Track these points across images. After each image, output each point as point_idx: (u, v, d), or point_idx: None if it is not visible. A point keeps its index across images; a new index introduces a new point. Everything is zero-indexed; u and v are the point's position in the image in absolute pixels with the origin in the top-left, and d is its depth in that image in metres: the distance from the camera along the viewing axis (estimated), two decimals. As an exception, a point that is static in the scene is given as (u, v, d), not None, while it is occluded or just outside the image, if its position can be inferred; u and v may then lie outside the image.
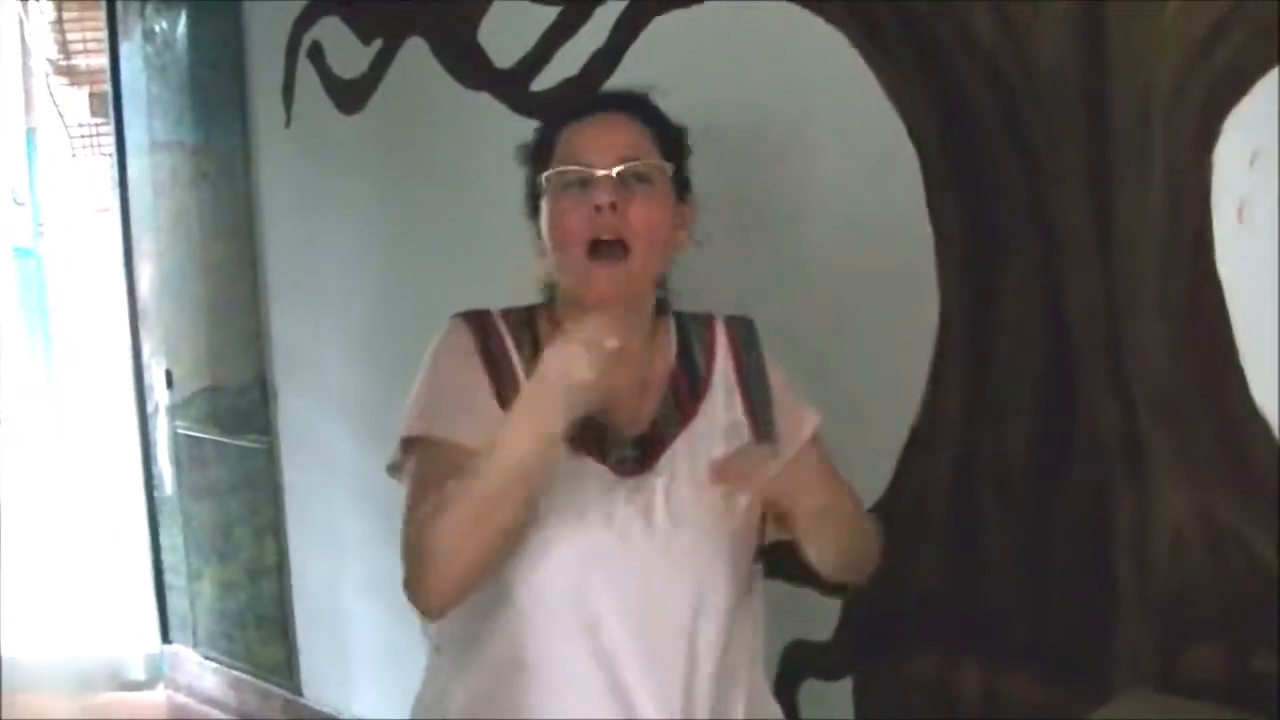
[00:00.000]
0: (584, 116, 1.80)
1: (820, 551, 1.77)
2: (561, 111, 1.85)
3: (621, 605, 1.72)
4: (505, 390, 1.74)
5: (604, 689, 1.72)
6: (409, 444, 1.77)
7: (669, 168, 1.79)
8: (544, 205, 1.78)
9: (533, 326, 1.82)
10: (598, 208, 1.71)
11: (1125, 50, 2.19)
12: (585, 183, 1.73)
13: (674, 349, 1.87)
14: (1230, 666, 2.18)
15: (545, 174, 1.77)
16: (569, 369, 1.52)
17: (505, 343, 1.80)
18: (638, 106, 1.83)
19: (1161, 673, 2.25)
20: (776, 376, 1.84)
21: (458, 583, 1.65)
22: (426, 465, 1.73)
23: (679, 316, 1.91)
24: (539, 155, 1.82)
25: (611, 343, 1.52)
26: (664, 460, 1.77)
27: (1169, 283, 2.20)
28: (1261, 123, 2.06)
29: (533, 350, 1.77)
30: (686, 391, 1.84)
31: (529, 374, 1.69)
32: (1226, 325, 2.14)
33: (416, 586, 1.66)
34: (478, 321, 1.82)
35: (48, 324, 10.62)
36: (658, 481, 1.75)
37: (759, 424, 1.75)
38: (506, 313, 1.84)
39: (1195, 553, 2.21)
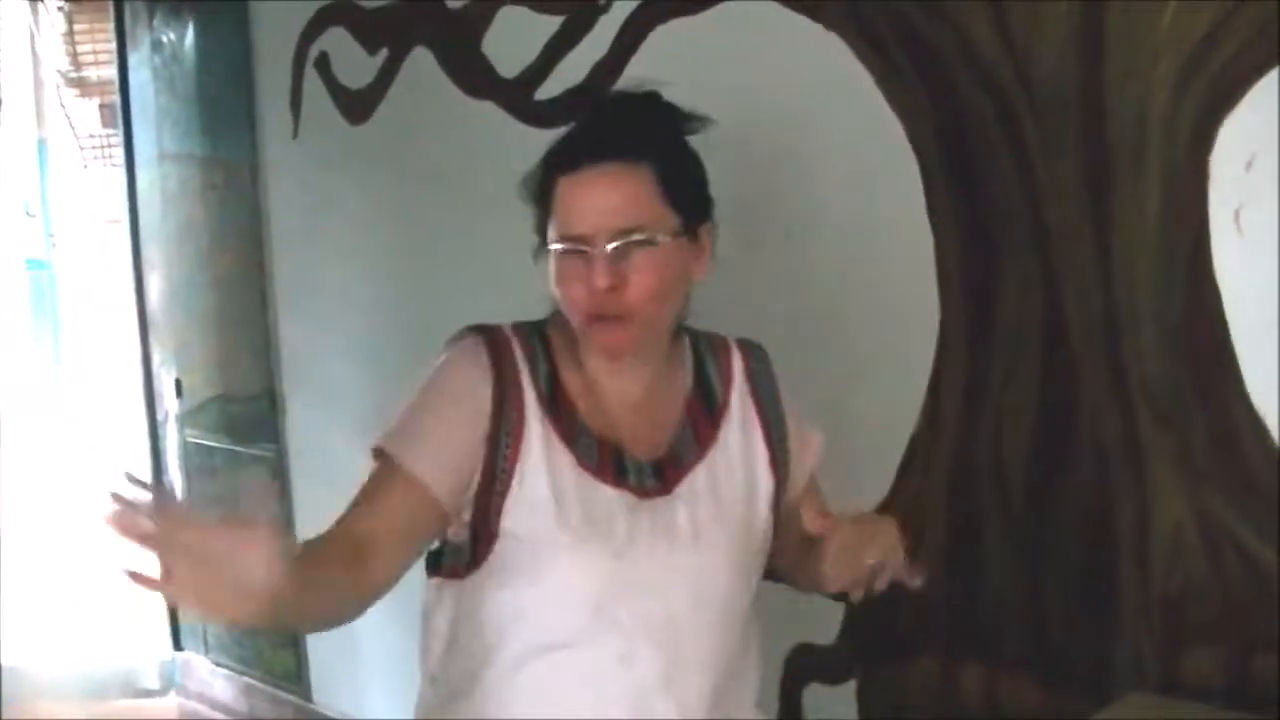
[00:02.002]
0: (581, 166, 1.70)
1: (815, 566, 1.73)
2: (560, 153, 1.75)
3: (645, 629, 1.71)
4: (509, 408, 1.71)
5: (630, 709, 1.72)
6: (378, 451, 1.73)
7: (674, 220, 1.73)
8: (549, 257, 1.73)
9: (544, 339, 1.80)
10: (599, 289, 1.68)
11: (1122, 58, 2.20)
12: (577, 254, 1.69)
13: (690, 373, 1.86)
14: (1230, 668, 2.19)
15: (549, 238, 1.72)
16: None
17: (515, 355, 1.76)
18: (635, 144, 1.73)
19: (1162, 675, 2.26)
20: (788, 401, 1.88)
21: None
22: (377, 478, 1.71)
23: (694, 336, 1.89)
24: (542, 201, 1.76)
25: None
26: (683, 486, 1.76)
27: (1167, 288, 2.21)
28: (1258, 128, 2.07)
29: (547, 366, 1.76)
30: (703, 417, 1.83)
31: (538, 390, 1.72)
32: (1224, 329, 2.15)
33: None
34: (491, 337, 1.78)
35: (59, 334, 10.68)
36: (679, 504, 1.74)
37: (775, 456, 1.83)
38: (517, 327, 1.81)
39: (1195, 555, 2.22)
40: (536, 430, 1.71)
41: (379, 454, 1.72)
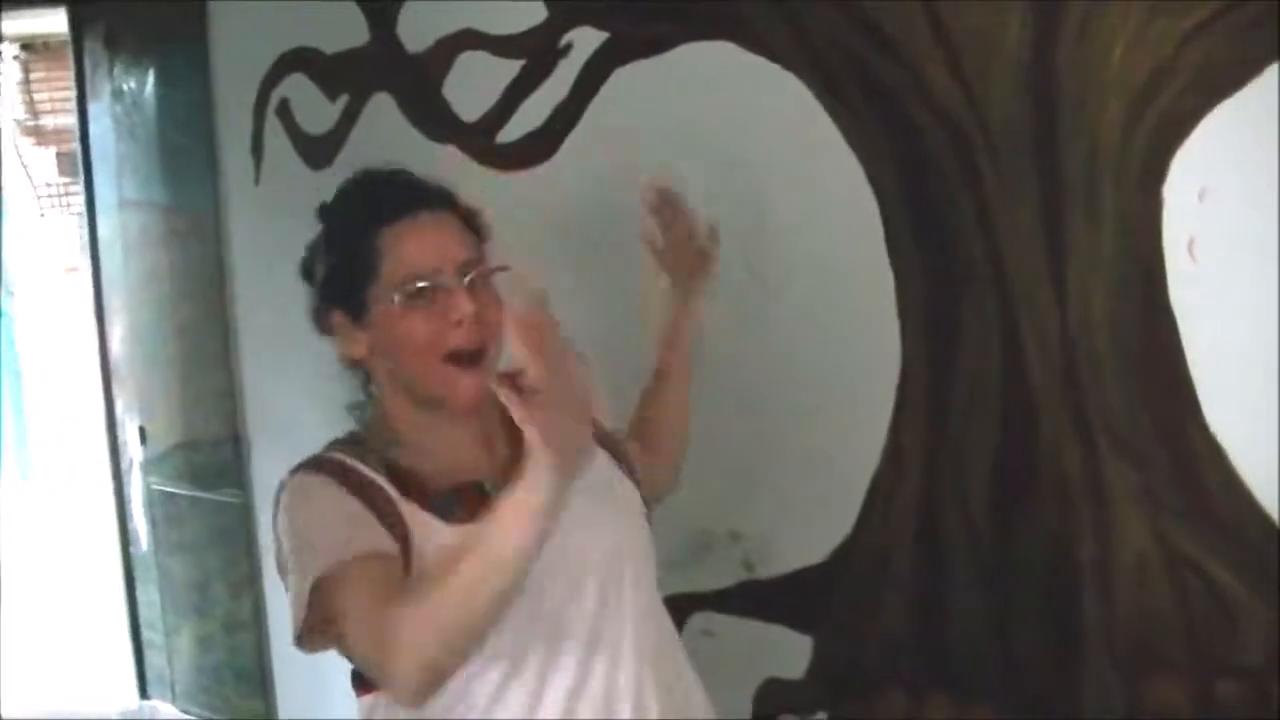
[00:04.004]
0: (406, 215, 1.74)
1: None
2: (370, 209, 1.77)
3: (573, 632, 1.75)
4: (378, 503, 1.71)
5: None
6: (320, 592, 1.67)
7: (496, 265, 1.78)
8: (378, 317, 1.73)
9: (362, 442, 1.80)
10: (459, 321, 1.70)
11: (1073, 100, 2.23)
12: (432, 292, 1.70)
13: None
14: (1195, 695, 2.20)
15: (397, 294, 1.71)
16: (569, 438, 1.48)
17: (351, 464, 1.75)
18: (446, 200, 1.80)
19: (1128, 704, 2.27)
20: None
21: (442, 669, 1.60)
22: (355, 582, 1.65)
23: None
24: (358, 263, 1.74)
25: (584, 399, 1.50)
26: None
27: (1123, 320, 2.23)
28: (1209, 160, 2.11)
29: (378, 458, 1.75)
30: None
31: (388, 480, 1.72)
32: (1181, 359, 2.17)
33: (403, 678, 1.60)
34: (311, 463, 1.78)
35: (18, 384, 10.60)
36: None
37: (609, 444, 1.95)
38: (334, 445, 1.82)
39: (1158, 584, 2.24)
40: (403, 507, 1.72)
41: (325, 583, 1.67)
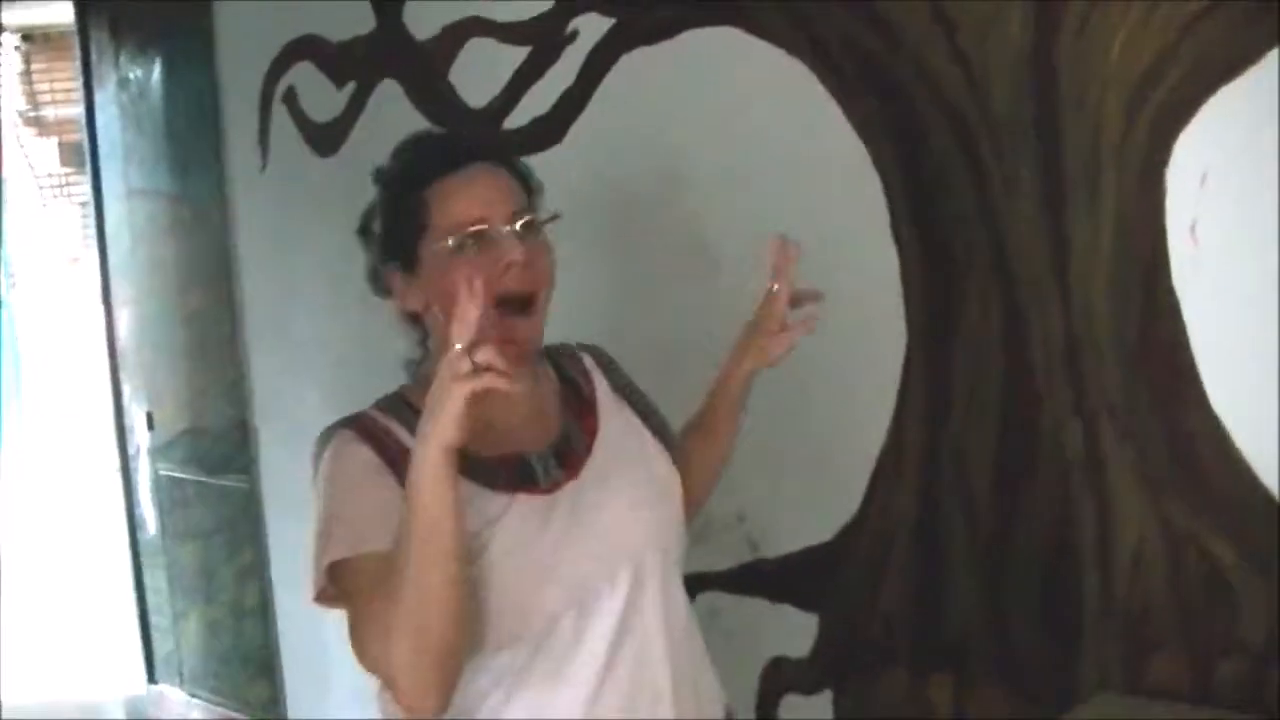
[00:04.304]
0: (456, 169, 1.76)
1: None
2: (420, 165, 1.80)
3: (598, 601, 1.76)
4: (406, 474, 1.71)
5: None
6: (335, 568, 1.69)
7: (548, 215, 1.82)
8: (431, 268, 1.74)
9: (407, 402, 1.81)
10: (509, 265, 1.72)
11: (1075, 86, 2.25)
12: (482, 240, 1.73)
13: (554, 374, 1.94)
14: (1195, 674, 2.22)
15: (449, 239, 1.72)
16: (442, 391, 1.50)
17: (396, 434, 1.76)
18: (498, 154, 1.83)
19: (1127, 683, 2.29)
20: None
21: (447, 671, 1.62)
22: (362, 583, 1.66)
23: (545, 347, 1.94)
24: (409, 217, 1.77)
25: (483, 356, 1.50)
26: (588, 469, 1.82)
27: (1124, 303, 2.25)
28: (1211, 144, 2.12)
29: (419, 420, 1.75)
30: (579, 408, 1.91)
31: None
32: (1183, 339, 2.18)
33: (411, 699, 1.62)
34: (361, 426, 1.78)
35: (20, 371, 10.63)
36: (586, 487, 1.80)
37: (656, 429, 1.96)
38: (381, 406, 1.82)
39: (1157, 564, 2.25)
40: None
41: (338, 567, 1.69)
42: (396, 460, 1.70)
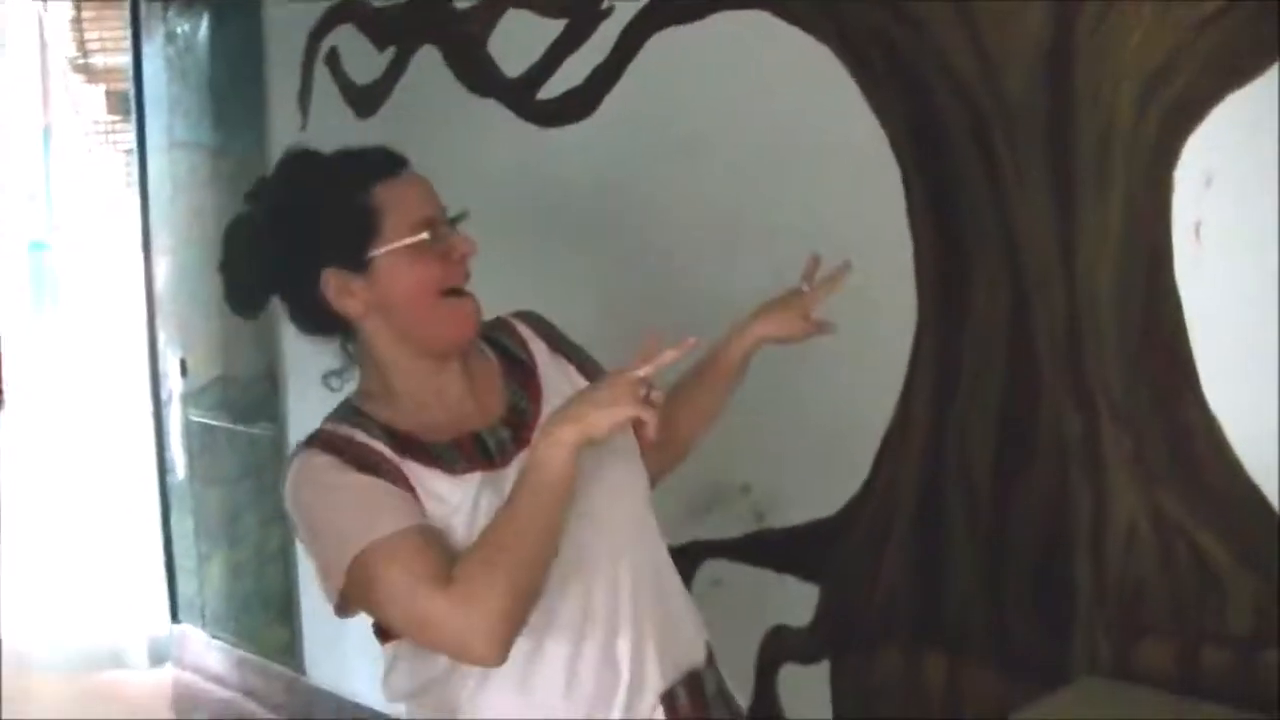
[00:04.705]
0: (395, 172, 1.84)
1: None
2: (364, 167, 1.84)
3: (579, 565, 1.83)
4: (382, 472, 1.77)
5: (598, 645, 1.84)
6: (356, 566, 1.71)
7: (460, 211, 1.90)
8: (387, 269, 1.80)
9: (358, 410, 1.86)
10: (465, 256, 1.83)
11: (1090, 82, 2.28)
12: (433, 237, 1.81)
13: (489, 348, 1.98)
14: (1181, 659, 2.26)
15: (407, 239, 1.79)
16: (616, 399, 1.64)
17: (357, 439, 1.80)
18: (407, 161, 1.90)
19: (1116, 666, 2.34)
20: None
21: (518, 619, 1.67)
22: (396, 556, 1.70)
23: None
24: (359, 221, 1.80)
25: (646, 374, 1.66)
26: (537, 434, 1.83)
27: (1127, 295, 2.28)
28: (1217, 147, 2.15)
29: (376, 422, 1.82)
30: (522, 376, 1.96)
31: (387, 444, 1.78)
32: (1183, 336, 2.22)
33: (485, 633, 1.65)
34: (321, 442, 1.81)
35: (59, 315, 10.74)
36: None
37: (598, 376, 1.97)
38: (335, 419, 1.86)
39: (1148, 551, 2.29)
40: (410, 468, 1.79)
41: (360, 560, 1.71)
42: (364, 460, 1.76)
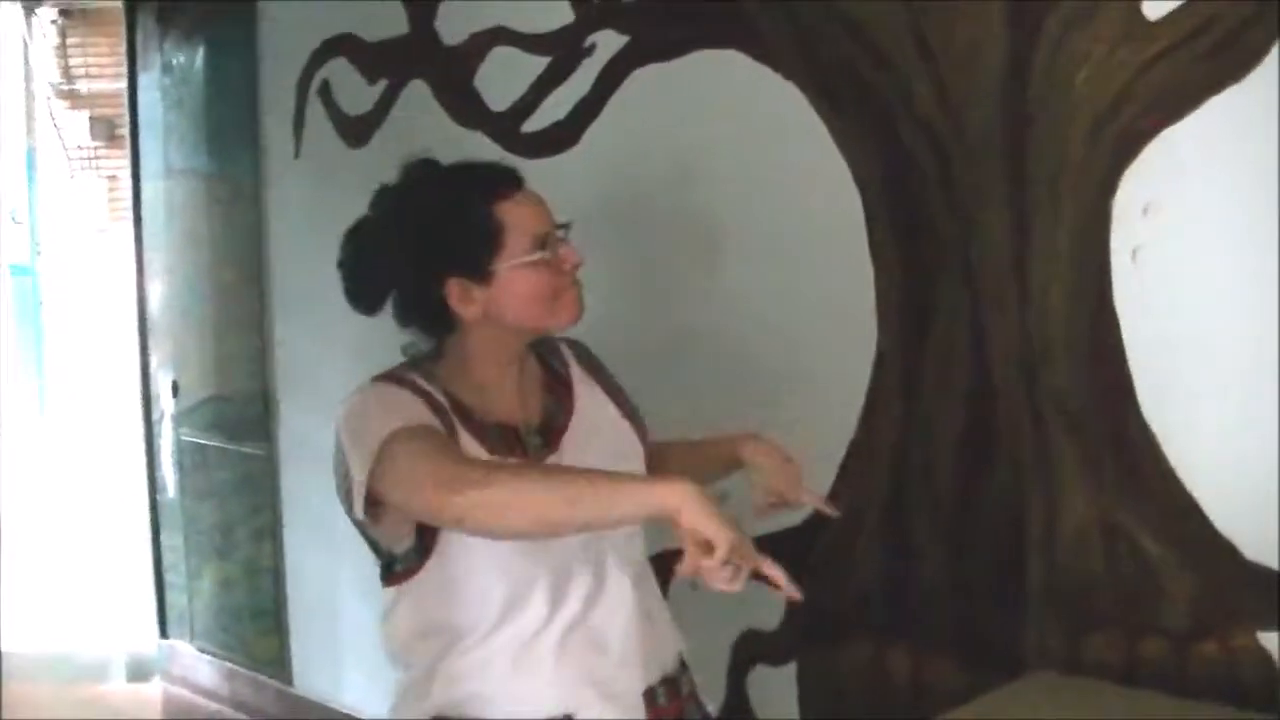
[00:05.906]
0: (511, 194, 1.96)
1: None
2: (487, 185, 1.96)
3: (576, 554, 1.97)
4: (439, 417, 1.90)
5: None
6: (390, 439, 1.80)
7: (565, 222, 2.02)
8: (508, 279, 1.92)
9: (428, 373, 1.99)
10: (576, 266, 1.97)
11: (1043, 117, 2.40)
12: (546, 247, 1.94)
13: (536, 361, 2.12)
14: (1124, 649, 2.38)
15: (533, 253, 1.92)
16: (718, 521, 1.68)
17: (419, 382, 1.94)
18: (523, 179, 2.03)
19: (1065, 656, 2.45)
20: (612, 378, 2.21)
21: (516, 526, 1.74)
22: (430, 438, 1.82)
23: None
24: (486, 234, 1.91)
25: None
26: (566, 441, 2.02)
27: (1076, 317, 2.40)
28: (1154, 178, 2.29)
29: (440, 386, 1.96)
30: (561, 390, 2.10)
31: (450, 403, 1.93)
32: (1122, 354, 2.35)
33: (516, 512, 1.72)
34: (403, 380, 1.95)
35: (42, 339, 10.75)
36: (564, 455, 2.00)
37: (621, 404, 2.15)
38: (406, 368, 2.00)
39: (1095, 551, 2.41)
40: (460, 432, 1.93)
41: (388, 444, 1.80)
42: (429, 400, 1.91)
